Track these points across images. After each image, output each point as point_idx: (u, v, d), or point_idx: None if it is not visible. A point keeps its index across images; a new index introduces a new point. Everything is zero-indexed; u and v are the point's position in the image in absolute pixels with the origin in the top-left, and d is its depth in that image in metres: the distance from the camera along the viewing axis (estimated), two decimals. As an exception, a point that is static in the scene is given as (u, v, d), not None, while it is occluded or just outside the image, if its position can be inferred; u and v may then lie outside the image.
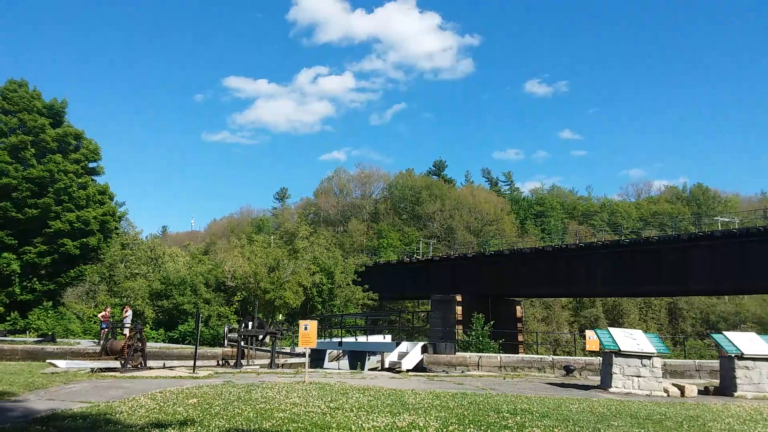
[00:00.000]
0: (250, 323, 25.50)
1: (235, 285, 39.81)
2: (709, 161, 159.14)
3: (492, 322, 34.20)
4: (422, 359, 23.35)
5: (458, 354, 24.59)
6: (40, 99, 39.40)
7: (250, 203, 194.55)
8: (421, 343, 24.06)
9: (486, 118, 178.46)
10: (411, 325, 37.86)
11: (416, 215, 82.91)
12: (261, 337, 24.40)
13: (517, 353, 34.46)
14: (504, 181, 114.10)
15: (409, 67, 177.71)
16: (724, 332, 21.37)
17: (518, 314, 51.88)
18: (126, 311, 30.33)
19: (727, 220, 49.34)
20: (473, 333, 31.35)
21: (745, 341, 20.89)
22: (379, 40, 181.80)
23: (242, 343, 22.36)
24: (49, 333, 31.90)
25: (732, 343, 20.35)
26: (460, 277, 50.07)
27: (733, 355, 18.10)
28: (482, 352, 26.59)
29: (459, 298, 47.03)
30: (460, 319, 44.76)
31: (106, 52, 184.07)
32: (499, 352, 27.80)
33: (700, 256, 38.31)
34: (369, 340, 27.44)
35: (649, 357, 18.29)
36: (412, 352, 23.09)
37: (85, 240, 37.69)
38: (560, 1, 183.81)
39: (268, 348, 23.83)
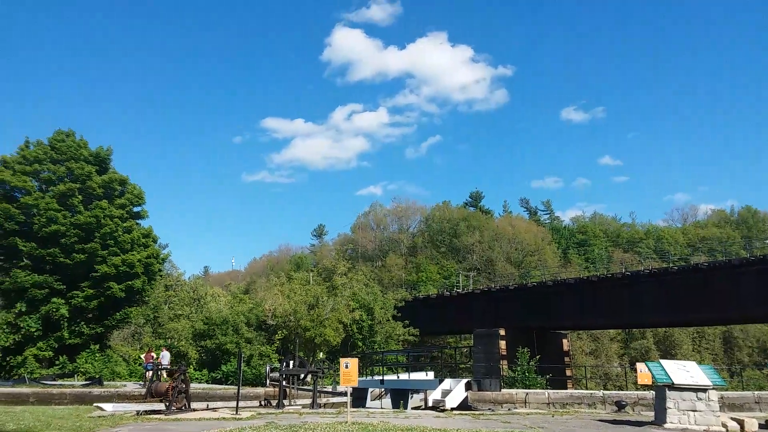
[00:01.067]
0: (291, 362, 25.42)
1: (275, 323, 39.93)
2: (755, 183, 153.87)
3: (538, 357, 33.25)
4: (466, 397, 22.73)
5: (504, 391, 23.89)
6: (86, 147, 41.03)
7: (288, 241, 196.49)
8: (465, 380, 23.46)
9: (522, 148, 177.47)
10: (453, 361, 37.02)
11: (454, 248, 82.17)
12: (302, 376, 24.26)
13: (566, 389, 33.32)
14: (543, 211, 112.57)
15: (443, 100, 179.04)
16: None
17: (565, 348, 50.31)
18: (162, 353, 30.73)
19: (780, 242, 47.32)
20: (518, 368, 30.53)
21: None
22: (412, 75, 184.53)
23: (284, 382, 22.24)
24: (96, 376, 32.44)
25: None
26: (503, 310, 49.06)
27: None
28: (529, 389, 25.78)
29: (502, 332, 45.97)
30: (504, 353, 43.66)
31: (149, 98, 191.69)
32: (547, 388, 26.91)
33: (754, 281, 36.62)
34: (411, 378, 26.92)
35: (704, 390, 17.40)
36: (455, 390, 22.52)
37: (130, 283, 38.54)
38: (591, 29, 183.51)
39: (310, 387, 23.64)
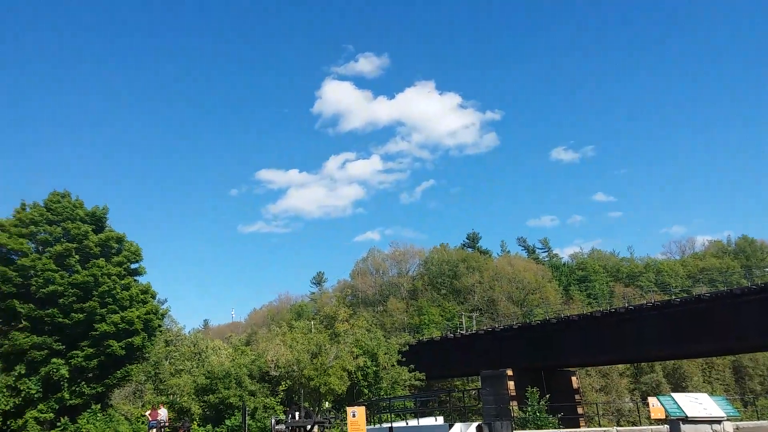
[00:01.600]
0: (297, 414, 24.99)
1: (278, 374, 39.28)
2: (750, 212, 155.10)
3: (548, 396, 32.71)
4: (475, 441, 22.27)
5: (515, 432, 23.44)
6: (82, 207, 41.14)
7: (288, 290, 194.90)
8: (476, 423, 23.02)
9: (516, 188, 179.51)
10: (462, 405, 36.35)
11: (455, 289, 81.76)
12: (309, 427, 23.77)
13: (578, 427, 32.66)
14: (541, 249, 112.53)
15: (434, 146, 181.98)
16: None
17: (574, 385, 49.51)
18: (160, 410, 30.27)
19: (779, 269, 47.33)
20: (530, 409, 30.00)
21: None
22: (403, 123, 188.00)
23: (290, 434, 21.80)
24: (98, 437, 31.68)
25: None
26: (508, 350, 48.49)
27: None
28: (541, 429, 25.29)
29: (510, 372, 45.29)
30: (513, 394, 42.90)
31: (144, 155, 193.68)
32: (559, 428, 26.42)
33: (756, 310, 36.45)
34: (420, 424, 26.39)
35: (719, 422, 17.20)
36: (466, 434, 22.07)
37: (130, 340, 38.03)
38: (575, 71, 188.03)
39: (318, 438, 23.15)
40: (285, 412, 28.23)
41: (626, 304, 46.53)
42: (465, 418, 28.00)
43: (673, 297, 45.02)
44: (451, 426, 23.39)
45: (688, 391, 51.57)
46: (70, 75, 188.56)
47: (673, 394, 21.80)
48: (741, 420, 25.26)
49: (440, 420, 27.49)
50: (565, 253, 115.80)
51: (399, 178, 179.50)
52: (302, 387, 37.50)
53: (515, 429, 25.43)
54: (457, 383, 60.96)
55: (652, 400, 22.91)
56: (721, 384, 60.29)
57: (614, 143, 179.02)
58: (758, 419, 29.49)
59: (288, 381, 38.69)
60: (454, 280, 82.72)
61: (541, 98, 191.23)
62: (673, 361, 59.57)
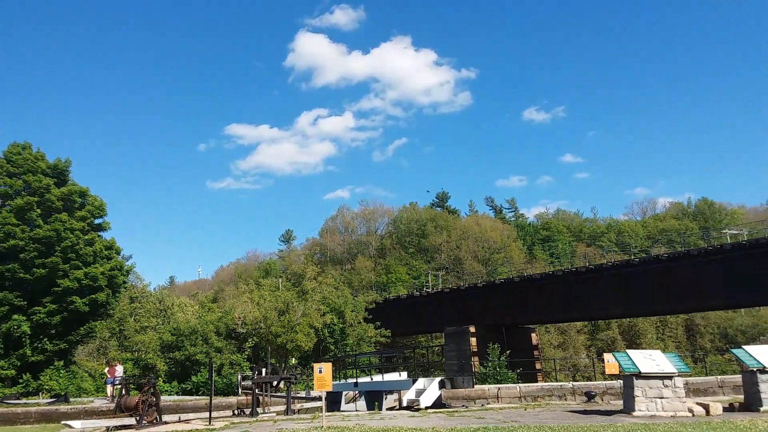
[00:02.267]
0: (264, 370, 25.25)
1: (245, 331, 39.53)
2: (711, 175, 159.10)
3: (508, 352, 33.76)
4: (440, 395, 22.93)
5: (476, 387, 24.19)
6: (44, 160, 39.89)
7: (256, 248, 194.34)
8: (438, 379, 23.66)
9: (487, 148, 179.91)
10: (426, 360, 37.30)
11: (423, 248, 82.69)
12: (275, 383, 24.09)
13: (536, 382, 33.90)
14: (508, 209, 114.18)
15: (407, 104, 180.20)
16: (743, 346, 21.06)
17: (534, 342, 51.19)
18: (116, 366, 30.39)
19: (735, 232, 49.00)
20: (490, 364, 30.92)
21: (766, 354, 20.48)
22: (377, 79, 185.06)
23: (256, 390, 22.06)
24: (62, 393, 31.55)
25: (753, 357, 19.96)
26: (472, 308, 49.63)
27: (755, 369, 17.75)
28: (501, 384, 26.16)
29: (472, 329, 46.50)
30: (475, 350, 44.17)
31: (109, 107, 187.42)
32: (518, 382, 27.36)
33: (712, 270, 37.88)
34: (385, 379, 27.00)
35: (670, 377, 17.95)
36: (429, 389, 22.69)
37: (93, 296, 37.63)
38: (550, 32, 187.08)
39: (284, 394, 23.51)
40: (251, 369, 28.52)
41: (587, 264, 47.86)
42: (428, 374, 28.72)
43: (632, 257, 46.40)
44: (414, 381, 24.01)
45: (642, 348, 53.83)
46: (35, 24, 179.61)
47: (628, 351, 22.66)
48: (691, 376, 26.49)
49: (404, 375, 28.15)
50: (532, 214, 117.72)
51: (371, 135, 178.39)
52: (269, 344, 37.87)
53: (476, 383, 26.26)
54: (421, 339, 62.35)
55: (607, 357, 23.76)
56: (673, 341, 63.02)
57: (585, 105, 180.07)
58: (707, 375, 30.97)
59: (255, 338, 38.98)
60: (422, 239, 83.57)
61: (516, 58, 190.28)
62: (628, 320, 61.94)
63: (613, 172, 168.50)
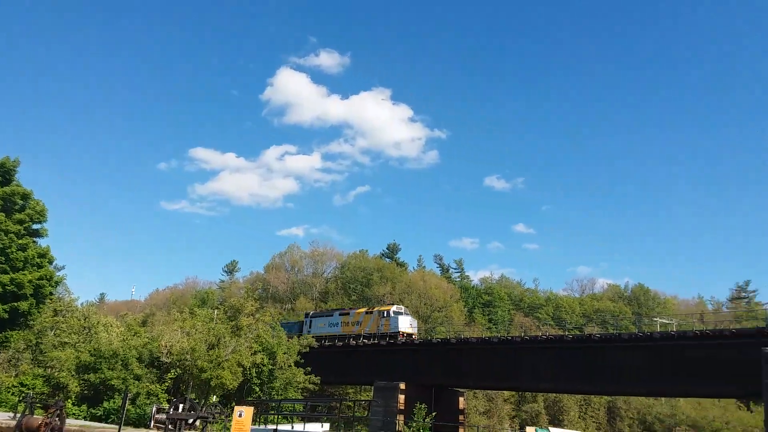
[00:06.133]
0: (181, 405, 24.36)
1: (170, 361, 38.05)
2: (651, 263, 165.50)
3: (434, 414, 33.60)
4: (359, 452, 22.54)
5: (396, 448, 23.90)
6: (-11, 157, 38.48)
7: (197, 275, 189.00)
8: (359, 435, 23.31)
9: (445, 208, 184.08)
10: (352, 414, 36.66)
11: (366, 297, 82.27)
12: (191, 420, 23.22)
13: (457, 448, 33.69)
14: (455, 269, 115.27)
15: (376, 153, 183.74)
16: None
17: (460, 406, 50.93)
18: None
19: (666, 321, 50.72)
20: (413, 425, 30.68)
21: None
22: (351, 125, 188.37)
23: (169, 426, 21.22)
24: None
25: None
26: (405, 364, 49.24)
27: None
28: (421, 446, 25.93)
29: (402, 386, 45.99)
30: (402, 408, 43.61)
31: (75, 113, 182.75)
32: (438, 447, 27.18)
33: (641, 356, 38.79)
34: (306, 429, 26.40)
35: (584, 461, 18.15)
36: (348, 445, 22.28)
37: (15, 304, 35.84)
38: (521, 104, 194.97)
39: (198, 432, 22.65)
40: (169, 401, 27.40)
41: (522, 334, 48.49)
42: (350, 427, 28.24)
43: (567, 333, 47.29)
44: (334, 435, 23.54)
45: (564, 425, 54.40)
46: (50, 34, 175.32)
47: (551, 429, 22.93)
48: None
49: (326, 427, 27.61)
50: (477, 276, 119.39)
51: (336, 179, 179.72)
52: (192, 378, 36.51)
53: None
54: (350, 391, 61.24)
55: (530, 430, 23.97)
56: (594, 421, 63.91)
57: (544, 179, 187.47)
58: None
59: (178, 369, 37.58)
60: (366, 288, 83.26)
61: (487, 125, 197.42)
62: (554, 395, 62.58)
63: (561, 247, 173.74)
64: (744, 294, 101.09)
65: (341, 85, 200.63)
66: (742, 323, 59.18)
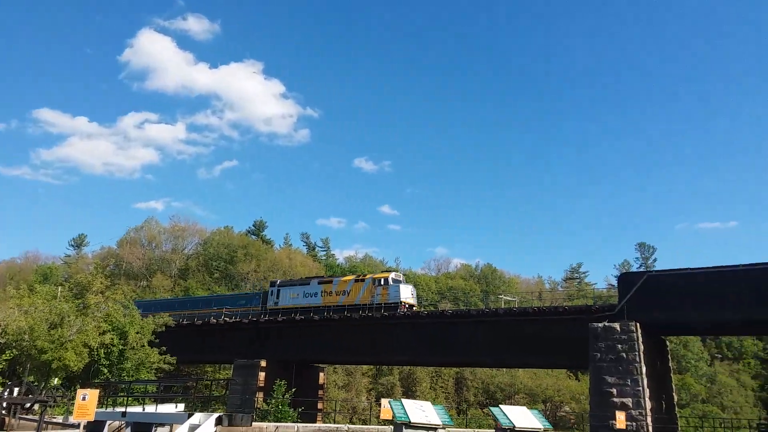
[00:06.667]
0: (17, 389, 22.43)
1: (4, 341, 34.62)
2: (498, 245, 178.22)
3: (294, 390, 33.96)
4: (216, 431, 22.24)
5: (255, 425, 23.94)
6: None
7: (38, 248, 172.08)
8: (216, 415, 22.95)
9: (314, 187, 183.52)
10: (209, 393, 35.87)
11: (229, 275, 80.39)
12: (28, 405, 21.48)
13: (315, 422, 34.43)
14: (321, 247, 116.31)
15: (245, 128, 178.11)
16: (501, 405, 23.48)
17: (321, 381, 51.92)
18: None
19: (509, 298, 55.23)
20: (273, 401, 30.82)
21: (518, 415, 23.23)
22: (220, 97, 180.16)
23: (3, 411, 19.49)
24: None
25: (506, 417, 22.50)
26: (268, 342, 49.04)
27: (506, 428, 19.95)
28: (280, 422, 26.20)
29: (263, 363, 45.85)
30: (262, 386, 43.52)
31: None
32: (297, 422, 27.61)
33: (486, 330, 41.91)
34: (158, 411, 25.44)
35: (434, 429, 19.49)
36: (204, 425, 21.88)
37: None
38: (393, 90, 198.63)
39: (37, 417, 21.03)
40: (2, 385, 25.01)
41: (382, 311, 50.30)
42: (209, 408, 27.72)
43: (422, 309, 49.67)
44: (190, 415, 23.00)
45: (417, 396, 57.60)
46: None
47: (403, 401, 24.21)
48: (453, 427, 28.96)
49: (180, 407, 26.81)
50: (343, 255, 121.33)
51: (201, 151, 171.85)
52: (31, 360, 33.56)
53: (256, 420, 25.97)
54: (209, 369, 59.82)
55: (384, 402, 25.00)
56: (443, 392, 68.19)
57: (410, 163, 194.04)
58: (466, 427, 34.14)
59: (14, 350, 34.33)
60: (229, 265, 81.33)
61: (359, 108, 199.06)
62: (408, 367, 65.90)
63: (421, 228, 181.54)
64: (576, 275, 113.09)
65: (210, 54, 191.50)
66: (574, 301, 66.13)
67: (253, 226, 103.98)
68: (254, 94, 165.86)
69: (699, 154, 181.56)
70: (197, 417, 22.77)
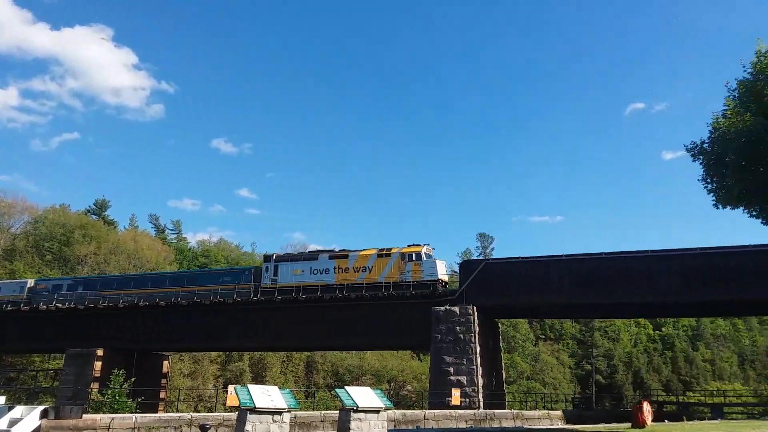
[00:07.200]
0: None
1: None
2: (354, 231, 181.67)
3: (133, 380, 32.42)
4: (40, 425, 20.60)
5: (86, 417, 22.47)
6: None
7: None
8: (41, 407, 21.24)
9: (167, 166, 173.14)
10: (37, 385, 32.91)
11: (64, 257, 73.70)
12: None
13: (157, 411, 33.17)
14: (172, 230, 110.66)
15: (89, 98, 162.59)
16: (346, 387, 24.42)
17: (164, 370, 49.88)
18: None
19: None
20: (109, 392, 29.18)
21: (362, 395, 24.32)
22: (61, 62, 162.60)
23: None
24: None
25: (350, 397, 23.48)
26: (107, 329, 45.98)
27: (349, 408, 20.80)
28: (116, 413, 24.90)
29: (100, 352, 43.00)
30: (98, 376, 40.80)
31: None
32: (136, 412, 26.43)
33: (336, 313, 42.51)
34: (-28, 404, 22.94)
35: (279, 413, 19.83)
36: (27, 418, 20.16)
37: None
38: (257, 67, 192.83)
39: None
40: None
41: (235, 297, 49.23)
42: (35, 400, 25.54)
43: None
44: (10, 408, 21.06)
45: (267, 381, 57.54)
46: None
47: (249, 386, 24.25)
48: (300, 410, 29.48)
49: (1, 400, 24.42)
50: (196, 239, 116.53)
51: (36, 120, 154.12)
52: None
53: (90, 412, 24.47)
54: (36, 359, 54.70)
55: (230, 389, 24.86)
56: (293, 376, 68.76)
57: (271, 146, 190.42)
58: (314, 410, 34.84)
59: None
60: (64, 246, 74.55)
61: (219, 85, 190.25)
62: (259, 353, 65.51)
63: (280, 213, 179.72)
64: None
65: (52, 14, 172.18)
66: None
67: (94, 205, 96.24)
68: (102, 61, 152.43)
69: (531, 156, 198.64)
70: (19, 410, 20.91)
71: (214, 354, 64.11)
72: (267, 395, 23.51)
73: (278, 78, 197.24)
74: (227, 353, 65.32)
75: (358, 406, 20.89)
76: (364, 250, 42.56)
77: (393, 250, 41.22)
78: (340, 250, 44.10)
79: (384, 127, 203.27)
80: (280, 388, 27.40)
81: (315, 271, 42.70)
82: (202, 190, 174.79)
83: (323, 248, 45.52)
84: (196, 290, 45.20)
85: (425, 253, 40.10)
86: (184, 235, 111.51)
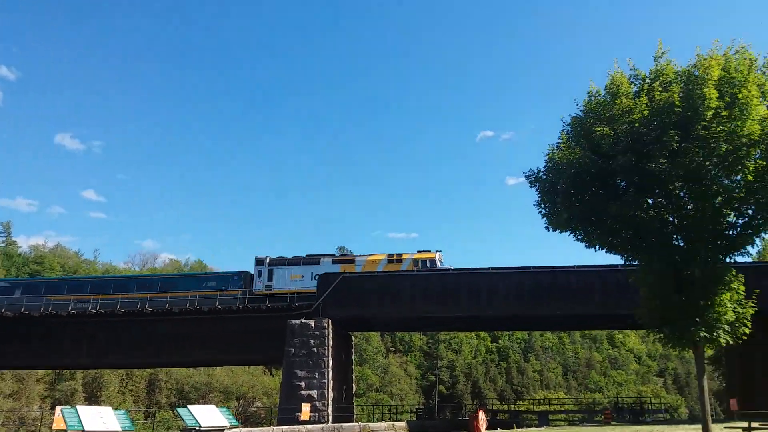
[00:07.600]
0: None
1: None
2: (208, 242, 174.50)
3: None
4: None
5: None
6: None
7: None
8: None
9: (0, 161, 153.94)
10: None
11: None
12: None
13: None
14: (0, 233, 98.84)
15: None
16: (189, 406, 23.52)
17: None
18: None
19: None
20: None
21: (205, 414, 23.54)
22: None
23: None
24: None
25: (193, 417, 22.62)
26: None
27: (192, 429, 20.10)
28: None
29: None
30: None
31: None
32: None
33: (188, 328, 40.60)
34: None
35: (111, 435, 18.66)
36: None
37: None
38: (113, 59, 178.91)
39: None
40: None
41: (70, 309, 45.02)
42: None
43: (118, 308, 45.28)
44: None
45: (102, 402, 53.24)
46: None
47: (78, 408, 22.47)
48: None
49: None
50: (29, 243, 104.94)
51: None
52: None
53: None
54: None
55: (58, 410, 23.07)
56: (133, 395, 63.77)
57: (123, 146, 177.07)
58: (154, 431, 32.98)
59: None
60: None
61: (67, 74, 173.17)
62: (95, 371, 60.20)
63: (131, 218, 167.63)
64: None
65: None
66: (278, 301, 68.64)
67: None
68: None
69: (395, 178, 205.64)
70: None
71: (41, 372, 57.83)
72: (99, 417, 22.03)
73: (138, 70, 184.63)
74: (57, 372, 59.17)
75: (200, 426, 20.27)
76: (371, 254, 41.19)
77: (404, 256, 40.24)
78: (342, 255, 41.68)
79: (252, 134, 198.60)
80: (115, 408, 25.76)
81: (317, 277, 39.95)
82: (39, 190, 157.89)
83: (323, 252, 42.90)
84: (168, 296, 41.00)
85: (439, 260, 39.74)
86: (14, 239, 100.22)
